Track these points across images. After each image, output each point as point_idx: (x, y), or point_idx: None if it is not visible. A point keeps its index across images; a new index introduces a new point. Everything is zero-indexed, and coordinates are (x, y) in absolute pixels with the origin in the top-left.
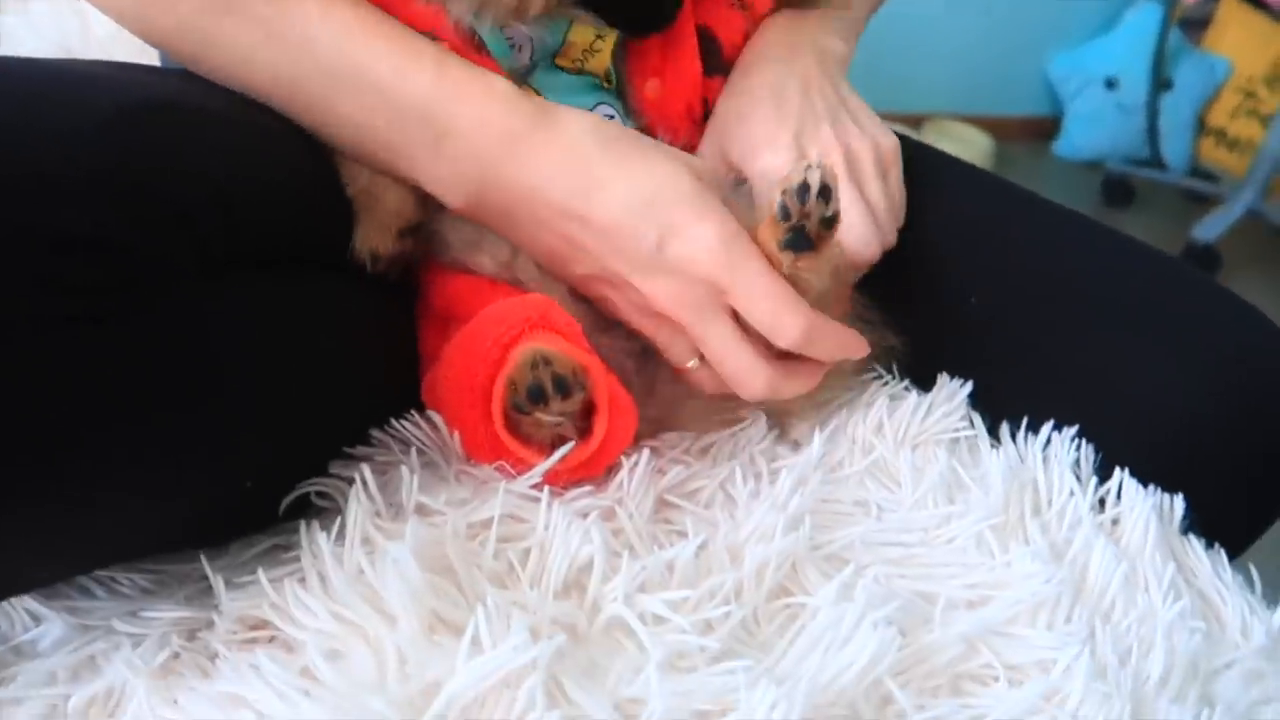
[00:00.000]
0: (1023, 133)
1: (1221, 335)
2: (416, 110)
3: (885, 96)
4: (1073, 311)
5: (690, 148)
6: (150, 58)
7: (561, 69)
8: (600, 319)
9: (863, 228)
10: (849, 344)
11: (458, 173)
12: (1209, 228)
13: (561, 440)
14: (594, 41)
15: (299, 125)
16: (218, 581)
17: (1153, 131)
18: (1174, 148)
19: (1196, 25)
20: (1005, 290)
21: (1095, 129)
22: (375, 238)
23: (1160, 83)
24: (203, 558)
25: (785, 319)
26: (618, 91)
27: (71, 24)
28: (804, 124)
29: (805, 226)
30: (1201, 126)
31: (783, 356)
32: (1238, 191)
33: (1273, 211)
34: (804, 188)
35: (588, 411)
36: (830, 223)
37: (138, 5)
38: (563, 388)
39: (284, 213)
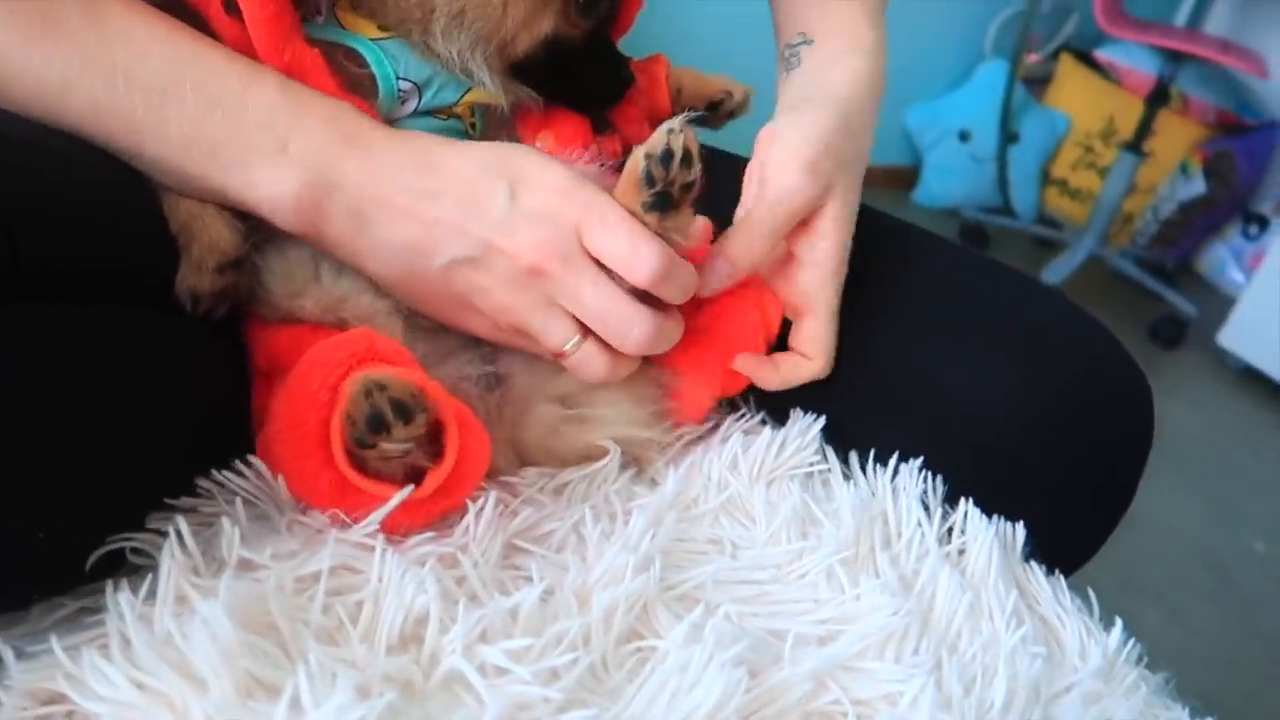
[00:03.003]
0: (885, 181)
1: (1057, 346)
2: (260, 119)
3: (756, 122)
4: (922, 335)
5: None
6: None
7: (431, 114)
8: (436, 351)
9: None
10: (693, 283)
11: (298, 180)
12: (1055, 271)
13: (417, 471)
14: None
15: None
16: (5, 651)
17: (1003, 181)
18: (1022, 196)
19: (1039, 83)
20: (853, 318)
21: (950, 178)
22: (193, 276)
23: (1008, 136)
24: None
25: (642, 248)
26: (482, 138)
27: None
28: None
29: (670, 191)
30: (1046, 177)
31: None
32: (1080, 237)
33: (1111, 255)
34: (668, 154)
35: (435, 436)
36: (690, 187)
37: None
38: (403, 412)
39: (82, 244)
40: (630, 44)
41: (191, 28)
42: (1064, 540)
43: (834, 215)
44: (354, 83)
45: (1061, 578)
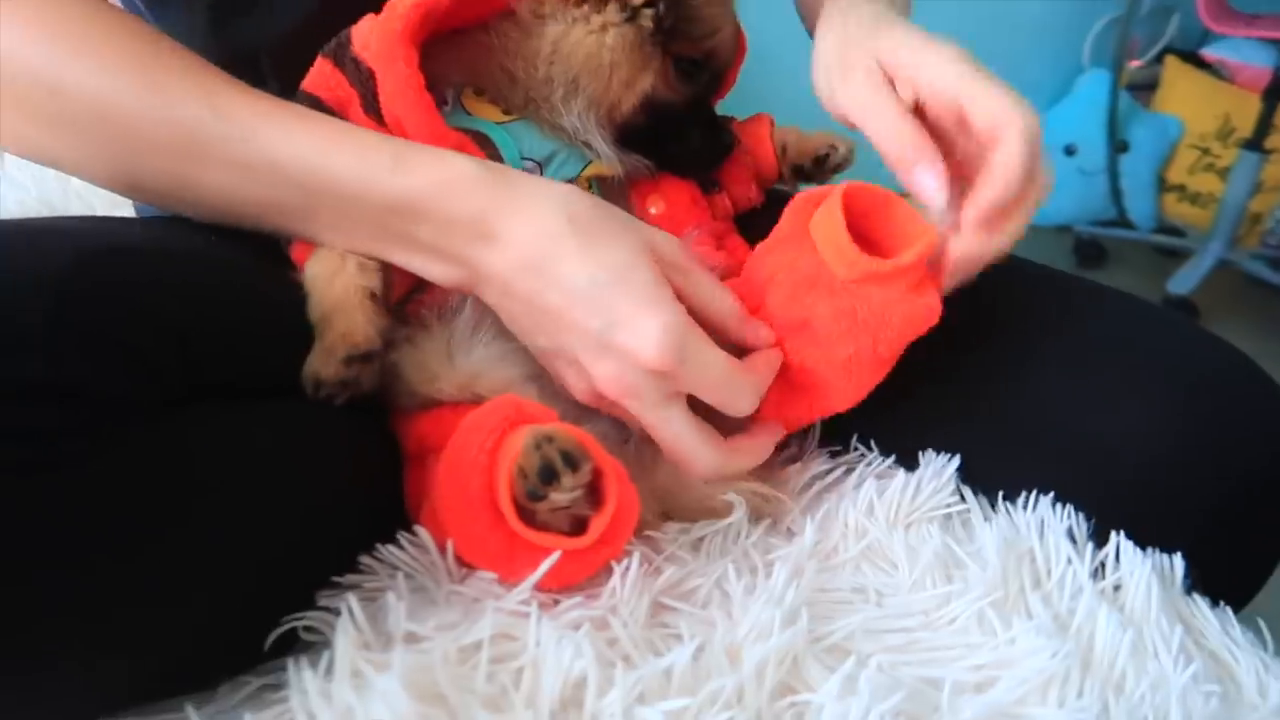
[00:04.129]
0: None
1: (1195, 372)
2: (386, 208)
3: (861, 175)
4: (1045, 367)
5: (701, 238)
6: (126, 207)
7: None
8: (570, 413)
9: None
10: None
11: (435, 253)
12: (1182, 281)
13: (579, 523)
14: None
15: (268, 262)
16: None
17: (1115, 193)
18: (1138, 206)
19: (1144, 89)
20: (979, 357)
21: (1060, 194)
22: (319, 361)
23: (1117, 146)
24: (189, 707)
25: (740, 396)
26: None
27: (51, 178)
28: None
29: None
30: (1162, 184)
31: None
32: (1206, 243)
33: (1242, 259)
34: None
35: (594, 486)
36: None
37: (111, 167)
38: (571, 461)
39: (247, 347)
40: (733, 104)
41: (313, 116)
42: (1225, 572)
43: (898, 41)
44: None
45: (1229, 610)
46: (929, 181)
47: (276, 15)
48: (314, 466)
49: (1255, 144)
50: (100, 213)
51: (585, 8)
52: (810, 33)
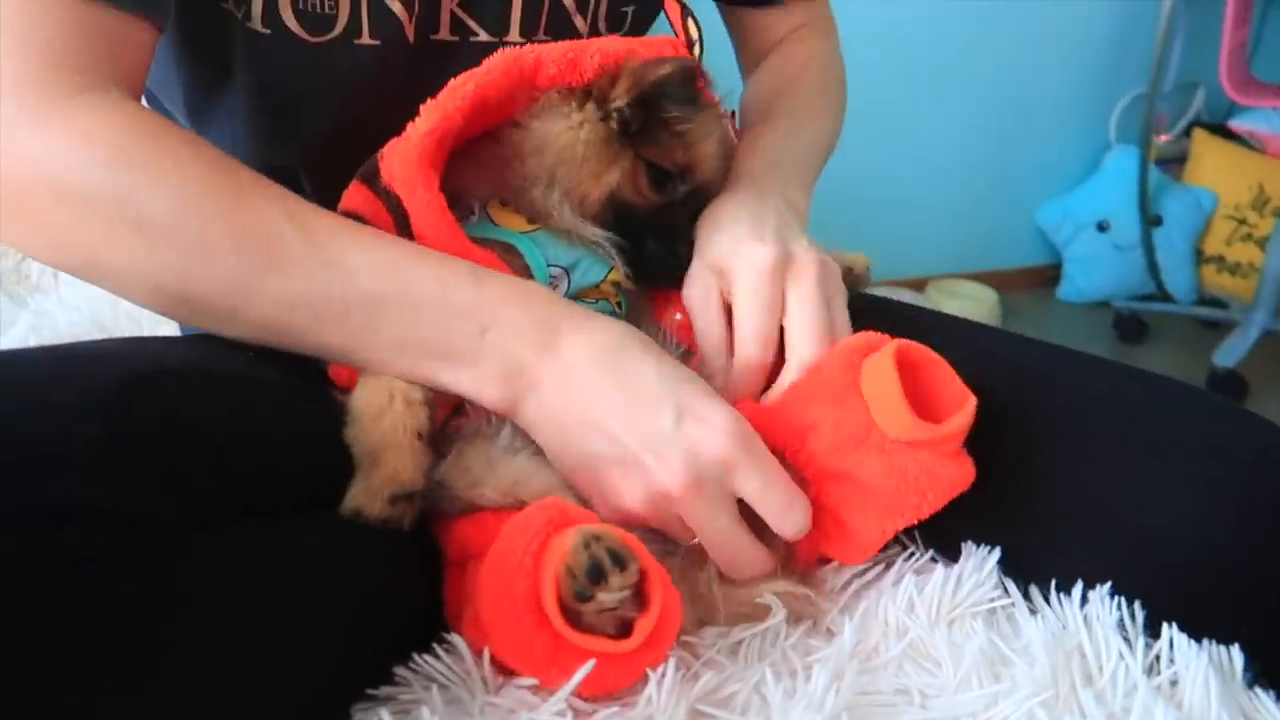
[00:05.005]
0: (1025, 282)
1: (1243, 456)
2: (458, 314)
3: (888, 264)
4: (1087, 454)
5: None
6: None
7: (580, 298)
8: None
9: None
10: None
11: (497, 386)
12: (1228, 353)
13: (623, 626)
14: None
15: (305, 379)
16: None
17: (1153, 267)
18: (1177, 279)
19: (1174, 162)
20: (1019, 445)
21: (1096, 271)
22: (364, 498)
23: (1150, 220)
24: None
25: (796, 511)
26: (628, 317)
27: (101, 299)
28: (782, 229)
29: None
30: (1199, 256)
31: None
32: (1250, 314)
33: None
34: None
35: (638, 588)
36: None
37: (181, 274)
38: (619, 561)
39: (284, 465)
40: None
41: (384, 235)
42: None
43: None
44: (514, 272)
45: None
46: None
47: (312, 128)
48: (351, 582)
49: None
50: (147, 331)
51: (569, 106)
52: None
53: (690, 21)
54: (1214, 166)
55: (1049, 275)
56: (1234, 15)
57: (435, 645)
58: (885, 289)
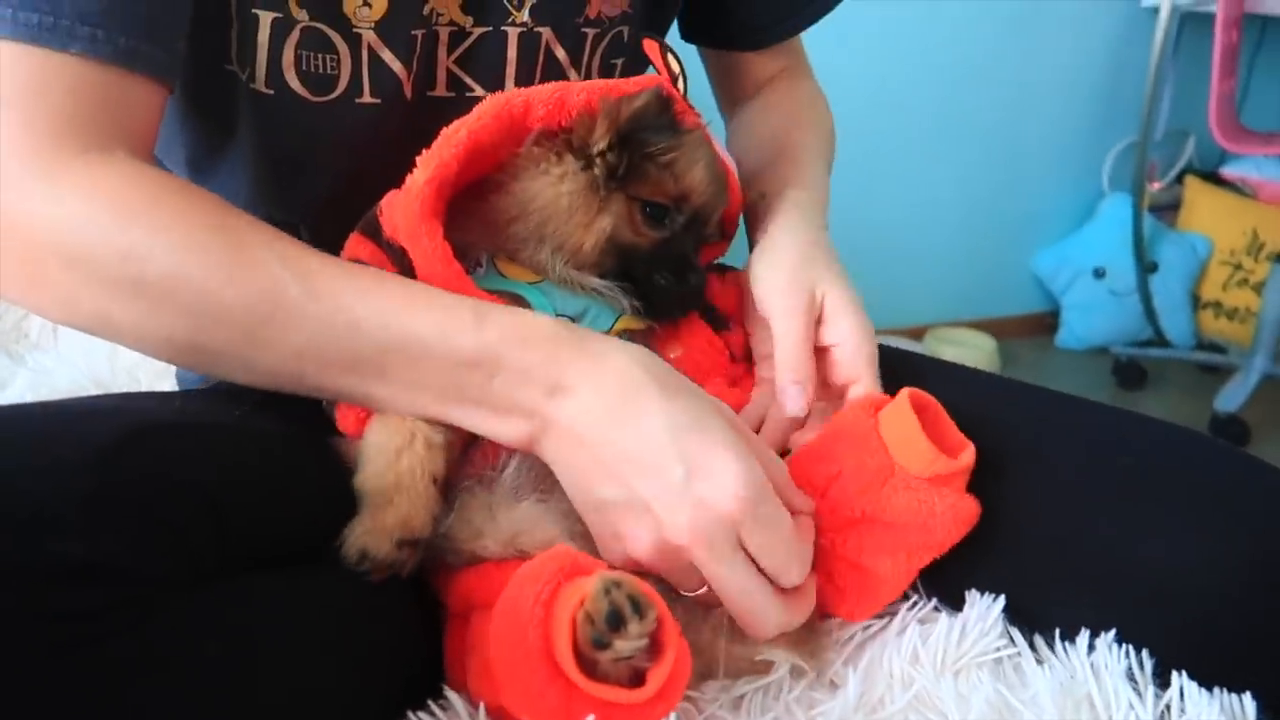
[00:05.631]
0: (1023, 329)
1: (1251, 504)
2: (464, 362)
3: (886, 312)
4: (1090, 501)
5: (718, 380)
6: (169, 381)
7: None
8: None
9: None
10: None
11: (504, 408)
12: (1229, 398)
13: (637, 674)
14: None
15: (302, 432)
16: None
17: (1150, 312)
18: (1174, 325)
19: (1168, 209)
20: (1023, 493)
21: (1093, 317)
22: (370, 539)
23: (1146, 266)
24: None
25: (795, 569)
26: None
27: (100, 353)
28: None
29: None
30: (1196, 301)
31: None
32: (1249, 359)
33: None
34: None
35: (652, 640)
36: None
37: (178, 335)
38: (638, 607)
39: (279, 518)
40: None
41: (385, 276)
42: None
43: (836, 297)
44: None
45: None
46: (796, 394)
47: (314, 184)
48: (348, 636)
49: None
50: (145, 387)
51: (548, 161)
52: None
53: (670, 57)
54: (1208, 213)
55: (1047, 322)
56: (1220, 66)
57: (432, 703)
58: (883, 337)
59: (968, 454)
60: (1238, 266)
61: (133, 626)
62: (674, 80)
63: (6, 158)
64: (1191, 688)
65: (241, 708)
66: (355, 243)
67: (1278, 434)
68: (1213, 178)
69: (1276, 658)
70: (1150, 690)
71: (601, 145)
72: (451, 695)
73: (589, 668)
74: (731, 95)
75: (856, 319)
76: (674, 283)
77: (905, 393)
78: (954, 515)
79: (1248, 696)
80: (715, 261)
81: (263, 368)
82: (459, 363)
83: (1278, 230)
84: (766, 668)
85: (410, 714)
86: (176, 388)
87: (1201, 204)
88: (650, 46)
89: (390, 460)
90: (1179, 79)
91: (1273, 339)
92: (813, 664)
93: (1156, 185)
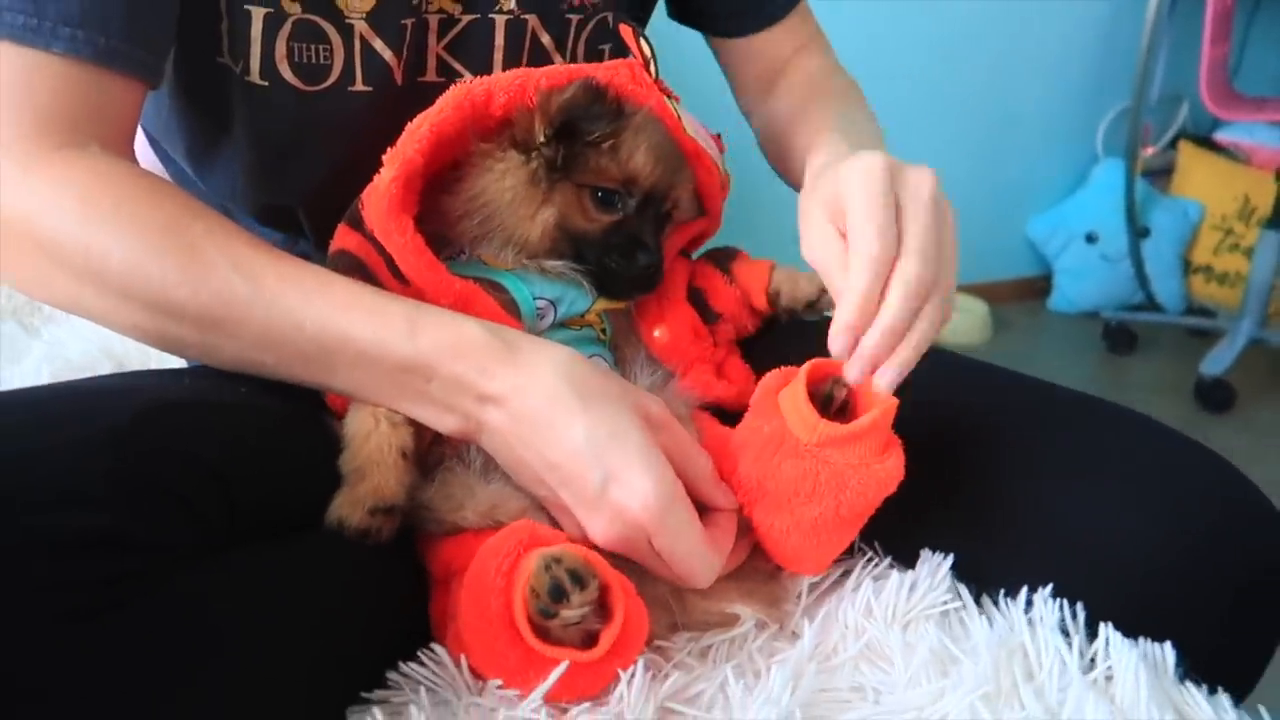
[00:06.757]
0: (1016, 294)
1: (1190, 482)
2: (400, 367)
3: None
4: (1040, 473)
5: (703, 368)
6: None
7: (566, 326)
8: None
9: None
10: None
11: (444, 408)
12: (1215, 362)
13: (590, 637)
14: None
15: (303, 409)
16: None
17: (1141, 277)
18: (1165, 289)
19: (1161, 174)
20: (978, 465)
21: (1085, 282)
22: (345, 508)
23: (1138, 231)
24: None
25: (698, 575)
26: (611, 343)
27: None
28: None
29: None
30: (1187, 266)
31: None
32: (1237, 323)
33: (1275, 337)
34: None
35: (604, 602)
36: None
37: (143, 325)
38: (578, 579)
39: (282, 489)
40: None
41: (331, 278)
42: (1223, 661)
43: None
44: (501, 306)
45: (1225, 696)
46: (842, 344)
47: (309, 171)
48: (346, 599)
49: (1276, 223)
50: (154, 362)
51: (492, 159)
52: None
53: (642, 41)
54: (1200, 178)
55: (1039, 286)
56: (1212, 31)
57: (421, 654)
58: None
59: (862, 420)
60: (1229, 231)
61: (150, 591)
62: (646, 64)
63: None
64: (1116, 638)
65: (253, 661)
66: (343, 233)
67: (1264, 397)
68: (1206, 143)
69: (1194, 611)
70: (1079, 640)
71: (540, 138)
72: (438, 648)
73: (543, 633)
74: (751, 82)
75: (850, 173)
76: (624, 265)
77: (806, 366)
78: (839, 483)
79: (1168, 645)
80: (729, 259)
81: (226, 358)
82: (395, 367)
83: (1269, 195)
84: (734, 620)
85: (402, 664)
86: (185, 364)
87: (1194, 169)
88: (625, 31)
89: (361, 444)
90: (1174, 44)
91: (1260, 303)
92: (774, 615)
93: (1150, 150)
